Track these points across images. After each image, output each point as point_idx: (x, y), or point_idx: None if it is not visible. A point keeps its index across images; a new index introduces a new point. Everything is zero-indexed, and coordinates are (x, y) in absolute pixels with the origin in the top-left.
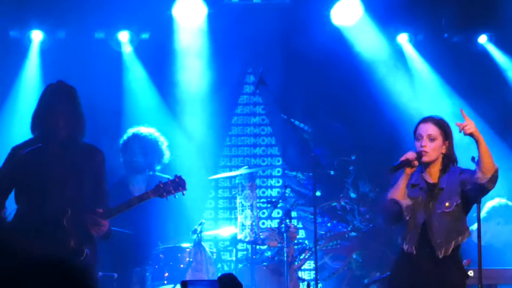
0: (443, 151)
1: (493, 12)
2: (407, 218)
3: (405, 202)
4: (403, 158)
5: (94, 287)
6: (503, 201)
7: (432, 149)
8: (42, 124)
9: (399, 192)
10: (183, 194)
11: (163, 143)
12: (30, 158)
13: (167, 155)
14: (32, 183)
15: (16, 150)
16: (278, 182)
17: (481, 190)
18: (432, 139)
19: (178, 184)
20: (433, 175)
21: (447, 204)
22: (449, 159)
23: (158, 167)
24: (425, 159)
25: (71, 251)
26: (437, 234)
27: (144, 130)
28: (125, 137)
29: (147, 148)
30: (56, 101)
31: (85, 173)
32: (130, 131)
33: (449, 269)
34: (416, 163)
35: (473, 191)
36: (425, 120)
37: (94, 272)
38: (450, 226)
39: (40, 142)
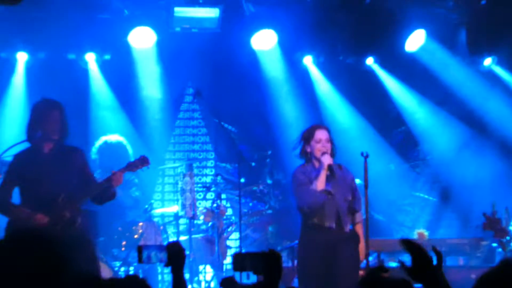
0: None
1: (378, 38)
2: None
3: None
4: (329, 163)
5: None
6: None
7: (330, 148)
8: (39, 129)
9: (323, 182)
10: (148, 168)
11: (129, 150)
12: (27, 157)
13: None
14: (31, 176)
15: (15, 156)
16: (211, 171)
17: None
18: (328, 141)
19: (143, 160)
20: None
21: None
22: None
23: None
24: (330, 158)
25: (67, 221)
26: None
27: (115, 138)
28: (102, 142)
29: (120, 154)
30: (50, 112)
31: (71, 166)
32: (108, 138)
33: None
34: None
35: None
36: (321, 127)
37: (89, 236)
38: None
39: (34, 144)
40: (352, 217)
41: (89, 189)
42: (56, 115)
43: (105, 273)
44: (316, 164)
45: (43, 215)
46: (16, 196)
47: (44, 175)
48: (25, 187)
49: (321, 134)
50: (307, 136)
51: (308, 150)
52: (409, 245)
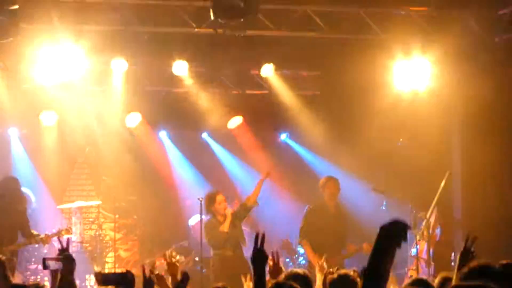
0: None
1: (209, 118)
2: None
3: None
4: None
5: None
6: None
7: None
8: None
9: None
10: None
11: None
12: None
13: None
14: None
15: None
16: (95, 210)
17: None
18: (225, 201)
19: (67, 231)
20: None
21: None
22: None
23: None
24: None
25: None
26: None
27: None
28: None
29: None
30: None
31: (14, 212)
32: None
33: None
34: None
35: None
36: (219, 192)
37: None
38: None
39: None
40: None
41: (29, 240)
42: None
43: (18, 279)
44: (219, 217)
45: None
46: None
47: None
48: None
49: (220, 199)
50: (210, 200)
51: (213, 209)
52: None
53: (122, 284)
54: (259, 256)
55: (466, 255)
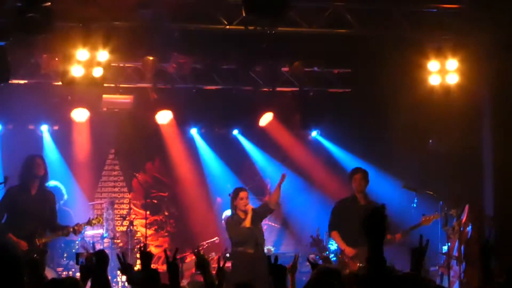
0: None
1: (240, 116)
2: None
3: None
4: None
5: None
6: None
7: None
8: (26, 174)
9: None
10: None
11: (63, 190)
12: (16, 194)
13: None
14: (17, 209)
15: (9, 189)
16: (127, 206)
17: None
18: (247, 198)
19: (99, 221)
20: None
21: None
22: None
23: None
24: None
25: (41, 250)
26: None
27: (53, 183)
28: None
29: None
30: (35, 163)
31: (46, 205)
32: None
33: None
34: None
35: None
36: (243, 189)
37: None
38: None
39: (22, 185)
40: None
41: (59, 232)
42: (39, 167)
43: (50, 275)
44: (239, 213)
45: (25, 243)
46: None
47: (27, 209)
48: (13, 217)
49: (242, 194)
50: (233, 196)
51: (235, 204)
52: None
53: (148, 283)
54: (276, 272)
55: (420, 253)
